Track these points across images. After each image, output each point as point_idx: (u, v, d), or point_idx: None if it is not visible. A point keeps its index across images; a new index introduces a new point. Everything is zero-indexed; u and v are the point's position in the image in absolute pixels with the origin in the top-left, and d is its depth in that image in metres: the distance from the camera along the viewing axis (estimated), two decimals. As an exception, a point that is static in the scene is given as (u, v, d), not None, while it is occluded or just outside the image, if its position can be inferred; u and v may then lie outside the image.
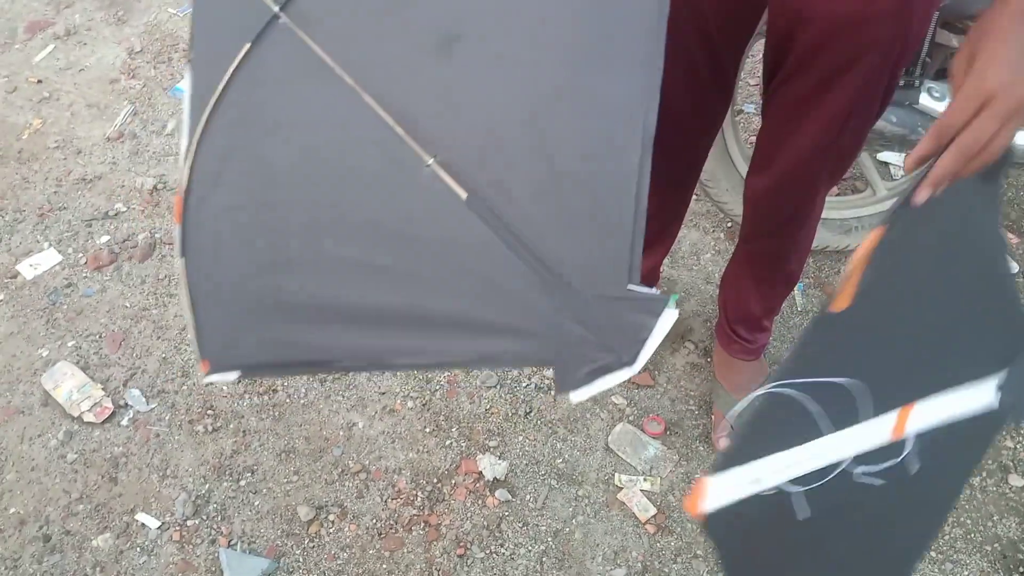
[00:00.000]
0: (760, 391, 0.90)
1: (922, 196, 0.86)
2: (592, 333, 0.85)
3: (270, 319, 0.91)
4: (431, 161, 0.83)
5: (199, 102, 0.91)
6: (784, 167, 1.23)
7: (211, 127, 0.90)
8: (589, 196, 0.83)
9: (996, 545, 1.53)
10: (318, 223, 0.89)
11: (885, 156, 2.16)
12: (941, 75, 1.67)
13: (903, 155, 2.16)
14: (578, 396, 0.87)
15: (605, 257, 0.83)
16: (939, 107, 1.53)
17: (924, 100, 1.54)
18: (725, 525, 0.91)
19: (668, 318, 0.82)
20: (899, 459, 1.03)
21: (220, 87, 0.89)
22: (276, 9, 0.87)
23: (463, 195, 0.83)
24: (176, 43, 2.43)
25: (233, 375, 0.94)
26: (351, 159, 0.87)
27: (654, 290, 0.84)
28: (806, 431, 0.92)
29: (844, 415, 0.97)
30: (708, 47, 1.18)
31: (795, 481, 0.92)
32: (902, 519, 1.11)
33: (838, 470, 0.96)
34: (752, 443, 0.90)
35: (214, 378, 0.95)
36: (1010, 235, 2.01)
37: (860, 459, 0.99)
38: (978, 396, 1.19)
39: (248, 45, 0.88)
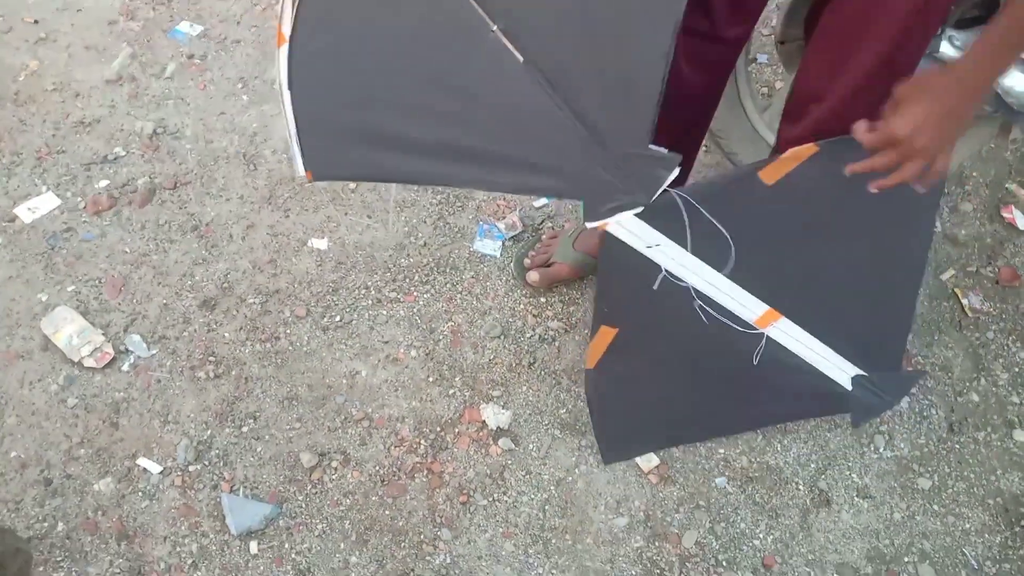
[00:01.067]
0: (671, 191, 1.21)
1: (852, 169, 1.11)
2: (618, 180, 1.15)
3: (359, 143, 1.12)
4: (495, 28, 1.00)
5: None
6: (832, 105, 1.20)
7: None
8: (624, 73, 1.04)
9: (999, 499, 1.53)
10: (399, 73, 1.06)
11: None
12: (962, 25, 1.63)
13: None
14: (595, 224, 1.20)
15: (631, 122, 1.08)
16: (958, 56, 1.49)
17: (944, 49, 1.50)
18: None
19: (674, 170, 1.14)
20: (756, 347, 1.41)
21: None
22: None
23: (520, 59, 1.02)
24: (175, -15, 2.37)
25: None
26: (428, 23, 1.02)
27: (663, 150, 1.12)
28: (679, 237, 1.26)
29: (708, 253, 1.28)
30: None
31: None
32: (714, 368, 1.45)
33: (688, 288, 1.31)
34: (653, 214, 1.21)
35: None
36: (1022, 191, 1.98)
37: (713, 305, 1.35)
38: (835, 369, 1.39)
39: None
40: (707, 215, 1.23)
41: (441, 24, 1.01)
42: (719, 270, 1.31)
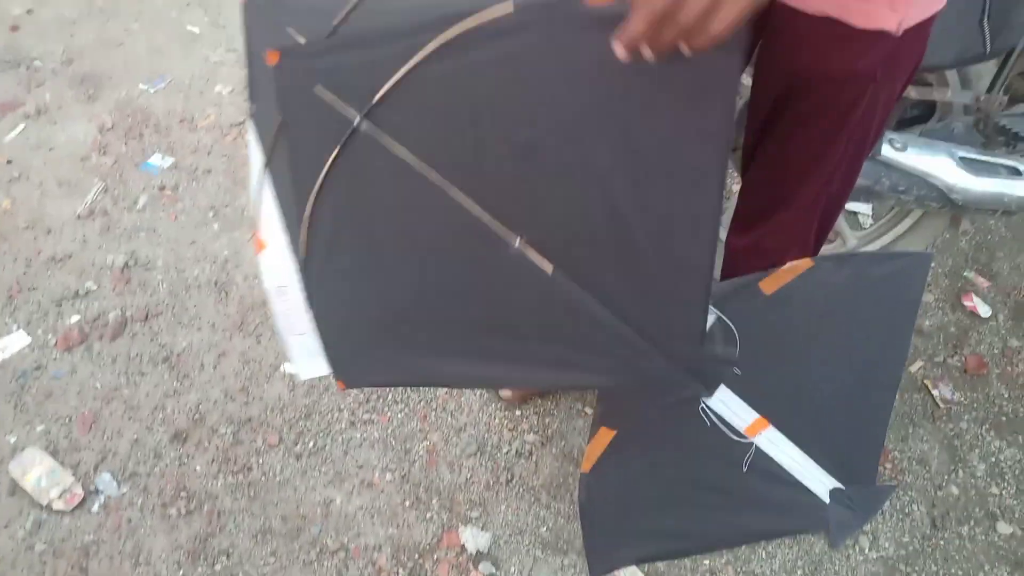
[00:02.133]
0: None
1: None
2: (672, 372, 1.05)
3: (391, 353, 1.09)
4: (517, 244, 0.95)
5: (303, 187, 1.00)
6: (778, 223, 1.25)
7: (319, 208, 1.01)
8: (666, 282, 0.97)
9: (989, 596, 1.51)
10: (421, 291, 1.04)
11: (852, 206, 2.18)
12: (900, 126, 1.70)
13: (870, 205, 2.19)
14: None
15: (678, 325, 1.00)
16: (900, 157, 1.56)
17: (886, 151, 1.56)
18: None
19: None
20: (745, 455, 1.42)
21: (320, 180, 0.98)
22: (357, 119, 0.93)
23: (548, 271, 0.96)
24: (147, 119, 2.44)
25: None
26: (442, 241, 0.99)
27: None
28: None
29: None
30: None
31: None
32: (704, 471, 1.46)
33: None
34: None
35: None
36: (980, 279, 2.03)
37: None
38: (815, 481, 1.42)
39: (336, 149, 0.96)
40: (725, 319, 1.24)
41: (462, 241, 0.98)
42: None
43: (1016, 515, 1.61)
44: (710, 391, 1.16)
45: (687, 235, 0.93)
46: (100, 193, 2.20)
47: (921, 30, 1.03)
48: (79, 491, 1.61)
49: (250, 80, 1.06)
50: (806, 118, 1.13)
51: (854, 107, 1.09)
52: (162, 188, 2.22)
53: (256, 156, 1.01)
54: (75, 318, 1.91)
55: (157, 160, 2.30)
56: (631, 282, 0.97)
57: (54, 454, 1.67)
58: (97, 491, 1.62)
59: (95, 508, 1.60)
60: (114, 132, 2.40)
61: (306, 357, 1.10)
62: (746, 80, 1.61)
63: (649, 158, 0.89)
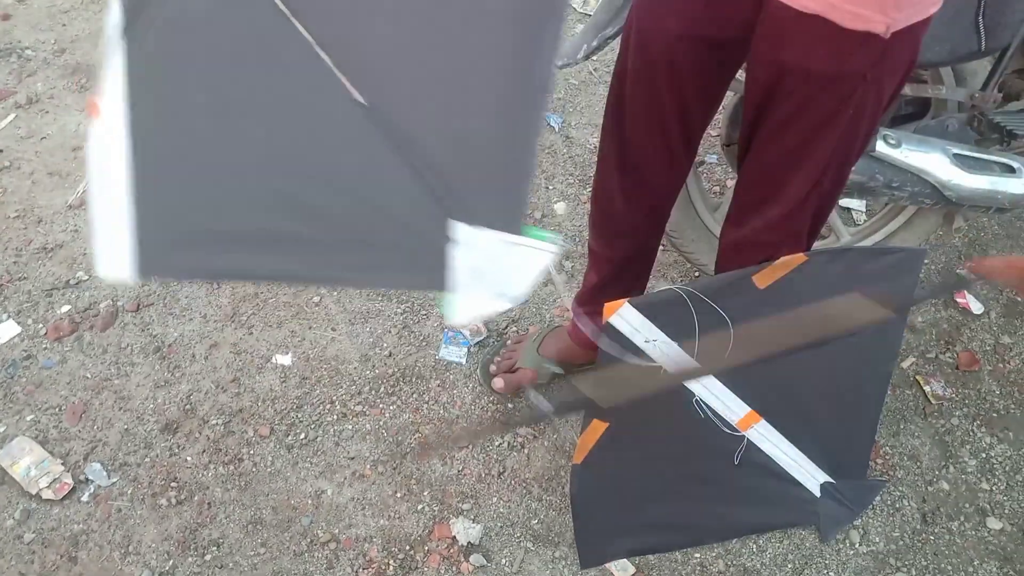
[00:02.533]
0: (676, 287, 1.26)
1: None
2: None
3: (203, 239, 0.96)
4: (362, 100, 0.87)
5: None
6: (773, 217, 1.25)
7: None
8: (495, 152, 0.91)
9: (978, 591, 1.52)
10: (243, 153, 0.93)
11: (846, 202, 2.18)
12: (895, 122, 1.70)
13: (864, 202, 2.19)
14: (459, 319, 0.99)
15: (503, 206, 0.93)
16: (894, 153, 1.56)
17: (880, 147, 1.56)
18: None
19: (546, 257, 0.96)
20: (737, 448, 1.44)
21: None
22: None
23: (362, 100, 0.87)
24: (139, 109, 2.42)
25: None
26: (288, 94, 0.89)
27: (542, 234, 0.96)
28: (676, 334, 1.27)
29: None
30: (682, 108, 1.21)
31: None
32: (697, 463, 1.46)
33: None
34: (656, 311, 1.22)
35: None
36: (973, 276, 2.03)
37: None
38: (805, 475, 1.42)
39: None
40: (717, 308, 1.25)
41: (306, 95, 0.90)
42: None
43: (1006, 511, 1.62)
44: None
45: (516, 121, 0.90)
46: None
47: (913, 32, 1.03)
48: (68, 481, 1.60)
49: None
50: (795, 114, 1.13)
51: (843, 106, 1.09)
52: (154, 178, 2.21)
53: (116, 11, 0.88)
54: (66, 308, 1.90)
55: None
56: (460, 158, 0.92)
57: (44, 444, 1.66)
58: (87, 481, 1.61)
59: (85, 498, 1.59)
60: (106, 122, 2.38)
61: (111, 253, 0.95)
62: (741, 76, 1.61)
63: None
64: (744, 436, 1.42)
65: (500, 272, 0.95)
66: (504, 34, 0.87)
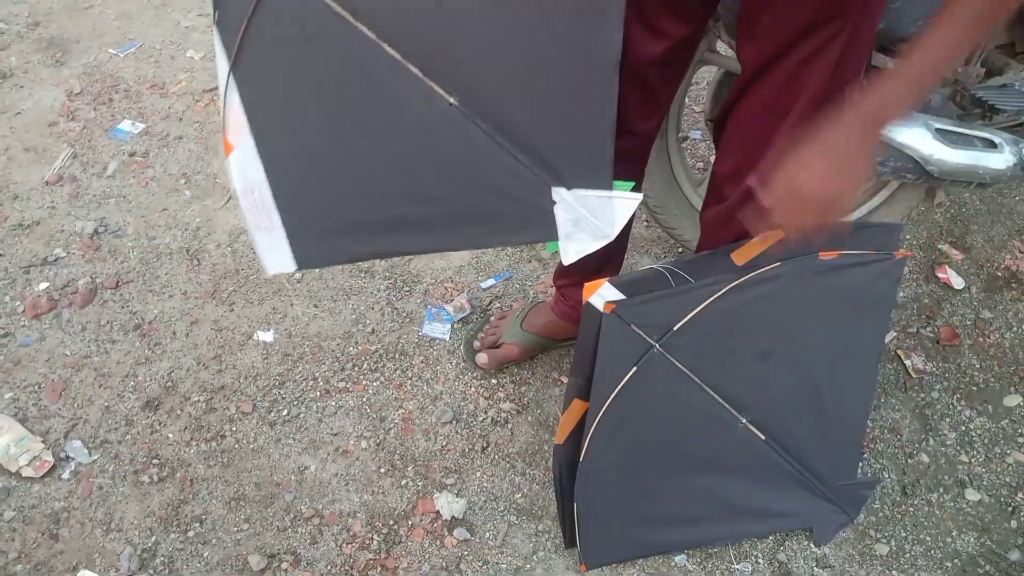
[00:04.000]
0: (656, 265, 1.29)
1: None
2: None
3: (351, 237, 1.15)
4: (453, 100, 1.03)
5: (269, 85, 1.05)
6: (750, 194, 1.24)
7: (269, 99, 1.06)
8: (578, 122, 1.06)
9: (956, 561, 1.54)
10: (370, 163, 1.10)
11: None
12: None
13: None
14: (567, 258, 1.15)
15: (590, 167, 1.08)
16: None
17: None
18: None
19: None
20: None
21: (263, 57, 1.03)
22: None
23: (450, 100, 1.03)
24: (116, 84, 2.39)
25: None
26: (386, 108, 1.05)
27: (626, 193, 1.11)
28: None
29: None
30: (641, 80, 1.20)
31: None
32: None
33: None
34: (636, 289, 1.23)
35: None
36: (954, 251, 2.05)
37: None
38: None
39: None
40: (695, 283, 1.25)
41: (401, 104, 1.04)
42: None
43: (984, 482, 1.64)
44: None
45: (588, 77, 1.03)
46: (69, 159, 2.16)
47: None
48: (49, 458, 1.59)
49: None
50: (779, 87, 1.13)
51: (826, 46, 1.08)
52: (132, 154, 2.18)
53: (222, 61, 1.03)
54: (44, 285, 1.88)
55: (127, 126, 2.25)
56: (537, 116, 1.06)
57: (23, 421, 1.64)
58: (67, 458, 1.60)
59: (65, 475, 1.58)
60: (82, 97, 2.35)
61: (273, 253, 1.14)
62: (724, 50, 1.61)
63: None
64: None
65: (595, 219, 1.12)
66: (567, 18, 0.99)
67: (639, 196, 1.13)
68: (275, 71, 1.04)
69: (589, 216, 1.11)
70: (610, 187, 1.10)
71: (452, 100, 1.03)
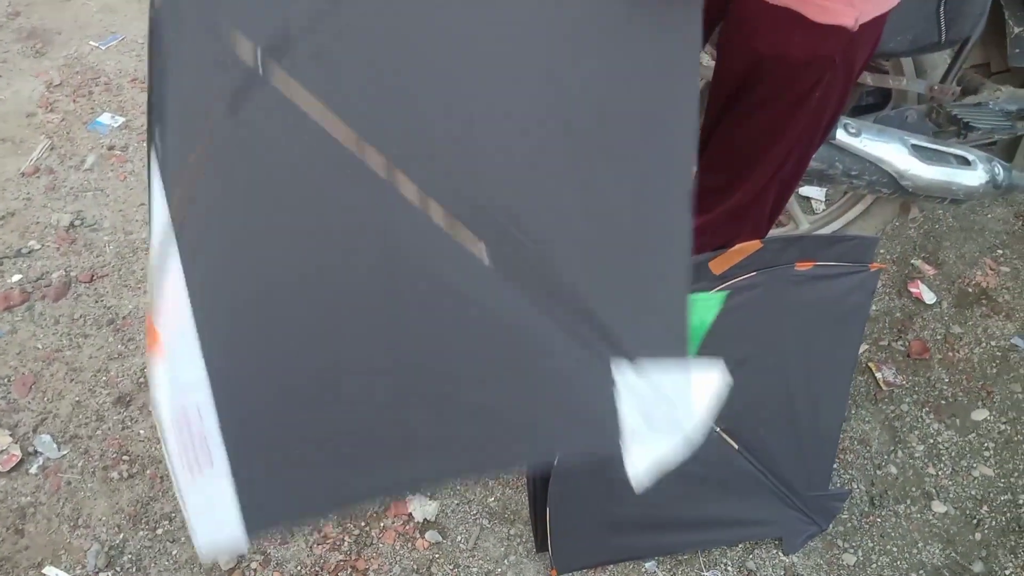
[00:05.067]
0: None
1: None
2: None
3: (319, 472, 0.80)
4: (487, 260, 0.75)
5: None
6: (736, 203, 1.26)
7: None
8: (641, 268, 0.80)
9: (921, 572, 1.55)
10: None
11: (806, 191, 2.21)
12: (856, 112, 1.72)
13: (823, 190, 2.22)
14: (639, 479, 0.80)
15: (662, 327, 0.80)
16: (854, 142, 1.58)
17: (841, 136, 1.58)
18: None
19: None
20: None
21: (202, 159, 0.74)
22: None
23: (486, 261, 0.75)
24: (97, 76, 2.37)
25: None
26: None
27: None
28: None
29: None
30: None
31: None
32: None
33: None
34: None
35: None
36: (926, 266, 2.08)
37: None
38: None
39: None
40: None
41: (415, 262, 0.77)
42: None
43: (951, 495, 1.66)
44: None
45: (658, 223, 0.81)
46: (46, 151, 2.14)
47: (877, 21, 1.05)
48: (17, 452, 1.57)
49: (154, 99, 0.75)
50: (764, 100, 1.15)
51: (812, 91, 1.11)
52: (111, 148, 2.16)
53: (159, 205, 0.72)
54: (17, 277, 1.86)
55: (107, 119, 2.24)
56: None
57: (-9, 415, 1.62)
58: (36, 453, 1.58)
59: (33, 470, 1.56)
60: (62, 89, 2.33)
61: (206, 515, 0.76)
62: (706, 62, 1.62)
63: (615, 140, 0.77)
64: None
65: (672, 406, 0.79)
66: (633, 137, 0.78)
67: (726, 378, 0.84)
68: (242, 231, 0.74)
69: (663, 403, 0.79)
70: (686, 353, 0.79)
71: (486, 260, 0.74)
